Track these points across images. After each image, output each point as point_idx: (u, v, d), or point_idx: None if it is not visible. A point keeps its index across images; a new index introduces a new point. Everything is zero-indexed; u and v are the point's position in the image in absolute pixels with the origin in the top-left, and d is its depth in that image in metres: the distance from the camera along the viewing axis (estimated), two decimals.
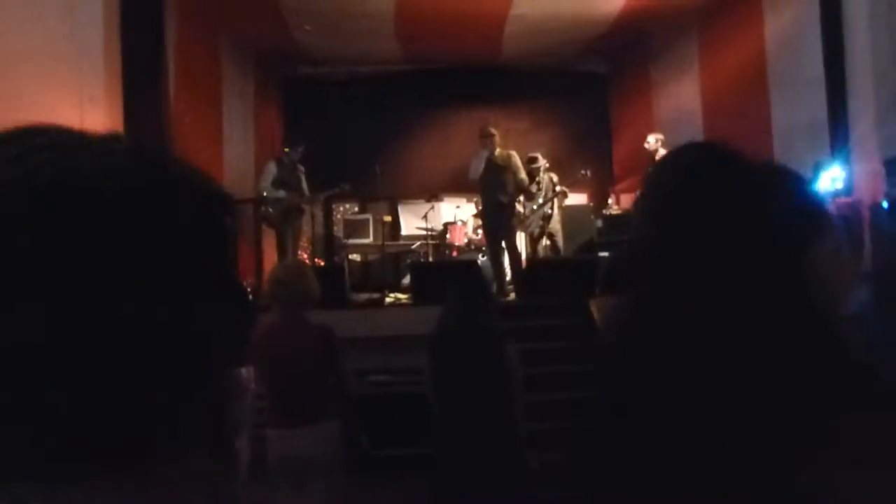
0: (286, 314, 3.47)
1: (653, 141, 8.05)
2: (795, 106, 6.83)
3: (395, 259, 9.28)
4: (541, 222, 8.39)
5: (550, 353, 5.45)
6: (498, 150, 7.39)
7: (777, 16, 7.35)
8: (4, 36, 4.18)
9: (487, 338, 3.21)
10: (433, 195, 9.34)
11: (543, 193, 8.38)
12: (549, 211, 8.40)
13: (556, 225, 8.49)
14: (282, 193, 7.56)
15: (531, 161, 8.37)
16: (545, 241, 8.57)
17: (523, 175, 7.55)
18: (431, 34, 8.79)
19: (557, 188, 8.39)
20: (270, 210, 7.59)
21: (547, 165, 8.60)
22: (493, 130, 7.48)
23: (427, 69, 10.29)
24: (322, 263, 8.28)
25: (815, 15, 6.32)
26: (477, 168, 7.36)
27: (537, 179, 8.38)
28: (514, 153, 7.59)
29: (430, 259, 8.71)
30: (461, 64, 10.11)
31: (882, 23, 5.68)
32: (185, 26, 6.96)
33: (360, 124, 9.95)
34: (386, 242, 8.90)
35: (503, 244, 7.46)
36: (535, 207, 8.33)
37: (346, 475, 3.44)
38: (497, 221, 7.35)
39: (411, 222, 9.30)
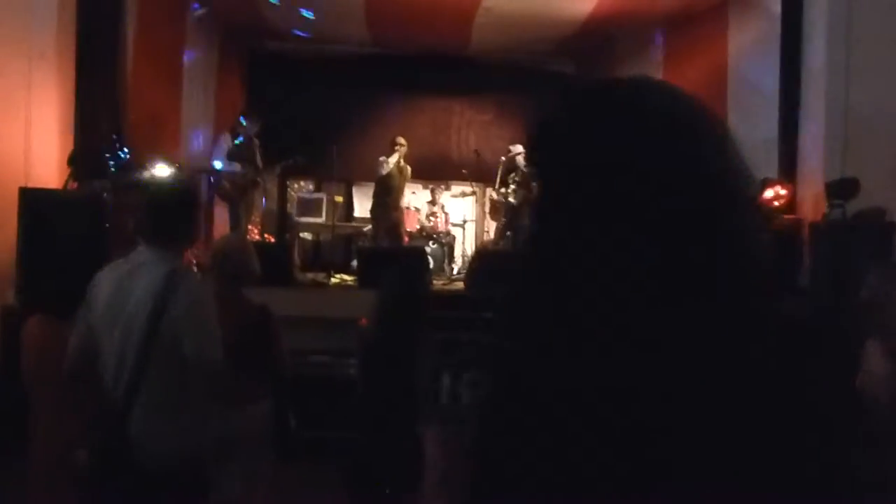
0: (223, 288, 3.42)
1: None
2: (751, 121, 6.97)
3: (345, 240, 9.24)
4: (508, 214, 8.45)
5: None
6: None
7: (741, 30, 7.50)
8: None
9: (416, 327, 3.23)
10: None
11: (518, 185, 8.43)
12: (514, 202, 8.43)
13: (524, 220, 8.50)
14: (237, 167, 7.45)
15: (508, 153, 8.52)
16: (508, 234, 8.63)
17: None
18: (401, 19, 8.73)
19: (533, 184, 8.41)
20: (226, 184, 7.48)
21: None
22: None
23: (394, 54, 10.22)
24: (272, 239, 8.21)
25: (776, 33, 6.45)
26: None
27: (516, 171, 8.46)
28: None
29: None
30: (429, 51, 10.06)
31: (838, 50, 5.82)
32: None
33: (322, 104, 9.85)
34: (337, 223, 8.85)
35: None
36: (504, 196, 8.42)
37: (274, 456, 3.43)
38: None
39: (365, 205, 9.27)
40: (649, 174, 0.60)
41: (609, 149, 0.62)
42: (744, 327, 0.57)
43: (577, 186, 0.62)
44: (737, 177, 0.64)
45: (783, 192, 5.91)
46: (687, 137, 0.64)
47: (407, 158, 8.62)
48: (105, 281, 2.45)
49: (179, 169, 6.13)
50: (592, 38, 9.37)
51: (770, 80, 6.45)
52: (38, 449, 2.80)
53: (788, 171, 6.11)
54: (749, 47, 7.29)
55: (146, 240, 2.49)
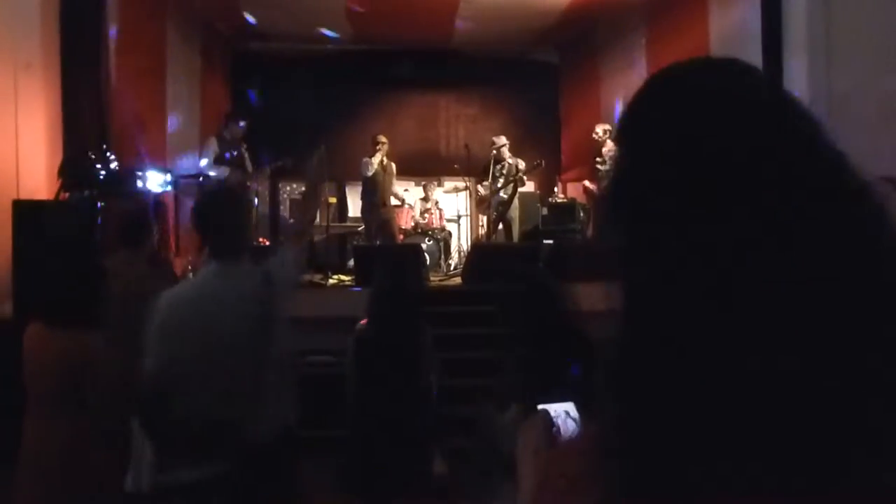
0: None
1: (601, 132, 8.17)
2: None
3: (340, 240, 9.24)
4: (499, 207, 8.44)
5: (486, 339, 5.48)
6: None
7: (721, 14, 7.55)
8: None
9: (407, 321, 3.24)
10: None
11: (504, 177, 8.41)
12: (504, 196, 8.43)
13: (513, 212, 8.51)
14: (225, 171, 7.43)
15: (492, 144, 8.50)
16: (500, 227, 8.62)
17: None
18: (383, 15, 8.73)
19: (523, 175, 8.39)
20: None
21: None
22: None
23: (378, 50, 10.22)
24: (266, 243, 8.20)
25: (756, 15, 6.51)
26: None
27: (502, 163, 8.44)
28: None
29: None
30: (412, 47, 10.07)
31: (819, 31, 5.88)
32: None
33: (308, 103, 9.84)
34: (331, 224, 8.85)
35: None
36: (493, 190, 8.43)
37: None
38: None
39: (358, 204, 9.28)
40: (750, 152, 0.59)
41: (710, 126, 0.60)
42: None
43: (678, 167, 0.60)
44: (836, 152, 0.62)
45: None
46: (786, 115, 0.62)
47: (390, 155, 8.61)
48: (181, 303, 2.46)
49: (169, 175, 6.14)
50: (574, 26, 9.42)
51: (753, 63, 6.49)
52: (32, 455, 2.81)
53: None
54: (730, 31, 7.35)
55: (217, 255, 2.52)
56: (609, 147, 7.99)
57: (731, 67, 0.67)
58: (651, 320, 0.58)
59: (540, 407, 0.82)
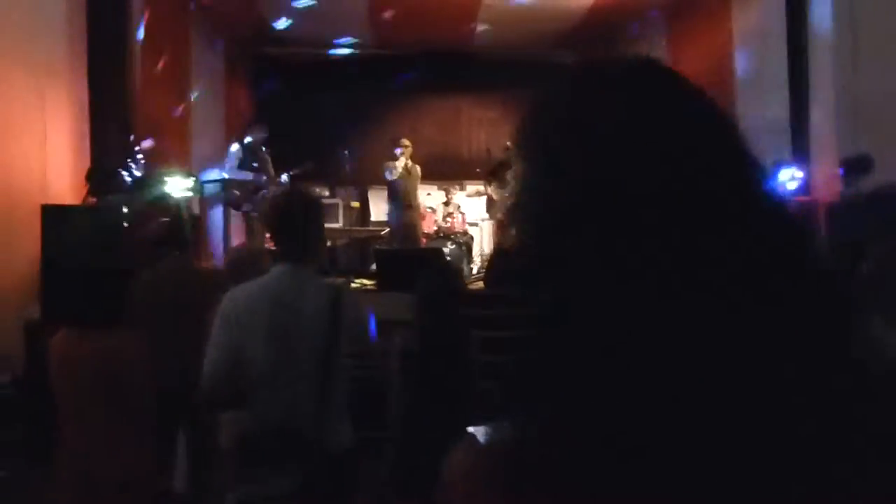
0: None
1: None
2: (760, 105, 6.95)
3: (362, 244, 9.27)
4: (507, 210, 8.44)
5: (507, 342, 5.46)
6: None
7: (745, 16, 7.48)
8: None
9: (457, 327, 3.24)
10: None
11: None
12: None
13: None
14: (248, 176, 7.49)
15: (508, 148, 8.50)
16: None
17: None
18: (404, 19, 8.76)
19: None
20: (237, 192, 7.52)
21: None
22: None
23: (399, 55, 10.25)
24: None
25: (781, 18, 6.44)
26: None
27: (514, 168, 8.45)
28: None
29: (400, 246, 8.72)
30: (434, 50, 10.09)
31: (844, 31, 5.80)
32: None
33: (330, 107, 9.89)
34: (354, 227, 8.89)
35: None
36: (506, 195, 8.41)
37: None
38: None
39: (381, 208, 9.31)
40: (663, 155, 0.58)
41: (619, 129, 0.59)
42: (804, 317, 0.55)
43: (587, 173, 0.59)
44: (746, 157, 0.61)
45: (799, 174, 5.91)
46: (695, 117, 0.62)
47: (414, 158, 8.62)
48: (247, 302, 2.45)
49: (194, 180, 6.19)
50: (595, 28, 9.36)
51: (778, 63, 6.43)
52: (64, 458, 2.84)
53: (801, 153, 6.09)
54: (754, 30, 7.27)
55: (286, 257, 2.52)
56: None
57: (648, 67, 0.66)
58: (583, 325, 0.59)
59: (469, 429, 0.80)
